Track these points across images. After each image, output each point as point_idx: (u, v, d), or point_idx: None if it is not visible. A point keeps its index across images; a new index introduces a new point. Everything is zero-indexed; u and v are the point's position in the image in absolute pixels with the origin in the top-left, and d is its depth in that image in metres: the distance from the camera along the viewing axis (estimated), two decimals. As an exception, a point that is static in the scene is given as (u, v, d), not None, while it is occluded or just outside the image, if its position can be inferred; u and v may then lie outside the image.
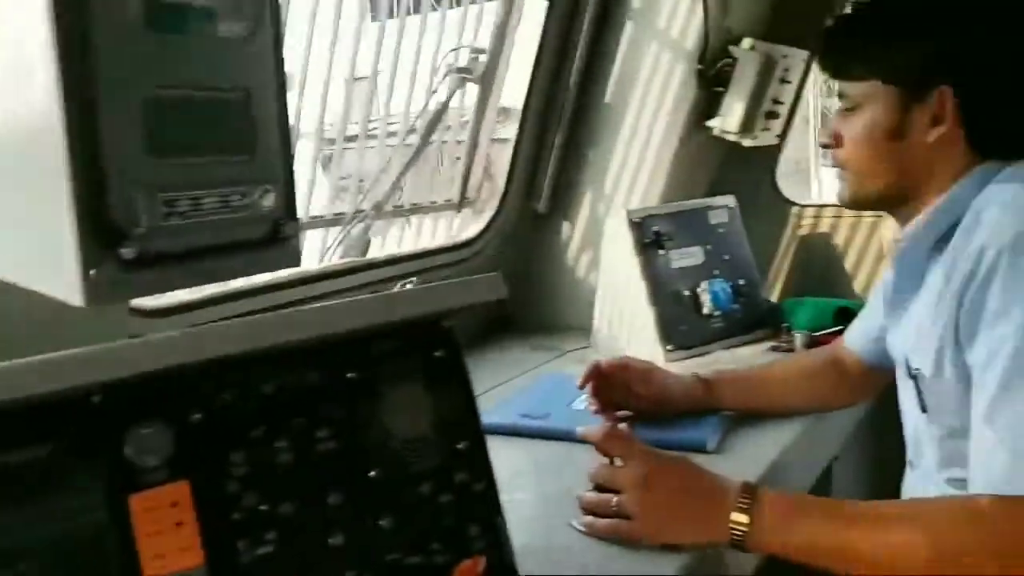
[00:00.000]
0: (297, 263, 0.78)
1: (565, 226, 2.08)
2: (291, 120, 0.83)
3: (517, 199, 2.04)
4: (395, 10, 2.35)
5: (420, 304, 0.78)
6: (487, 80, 1.96)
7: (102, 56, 0.63)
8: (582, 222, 2.06)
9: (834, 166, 1.16)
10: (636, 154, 1.99)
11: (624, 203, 1.99)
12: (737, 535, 0.89)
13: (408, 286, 1.53)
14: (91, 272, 0.63)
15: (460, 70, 1.94)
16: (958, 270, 0.94)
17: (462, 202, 2.11)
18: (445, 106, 2.01)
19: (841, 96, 1.13)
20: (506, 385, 1.58)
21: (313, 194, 2.16)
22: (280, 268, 0.78)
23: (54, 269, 0.63)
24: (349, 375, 0.75)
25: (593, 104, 2.01)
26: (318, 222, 1.94)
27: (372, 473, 0.73)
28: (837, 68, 1.13)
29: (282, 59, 0.76)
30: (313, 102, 2.02)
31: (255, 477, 0.67)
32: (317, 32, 1.92)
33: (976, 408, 0.90)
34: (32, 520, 0.59)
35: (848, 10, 1.14)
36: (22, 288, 0.68)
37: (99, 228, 0.63)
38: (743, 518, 0.89)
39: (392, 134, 2.30)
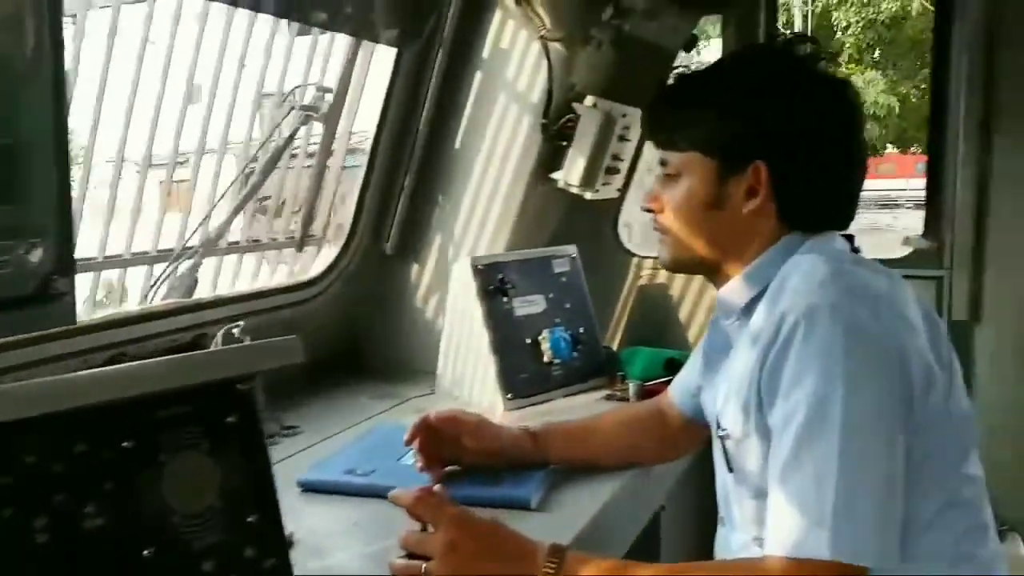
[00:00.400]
0: (72, 321, 0.73)
1: (414, 268, 2.07)
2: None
3: (364, 239, 2.01)
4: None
5: (210, 369, 0.75)
6: (332, 119, 1.93)
7: None
8: (431, 265, 2.06)
9: (655, 230, 1.20)
10: (484, 201, 2.02)
11: (472, 248, 2.01)
12: None
13: (234, 331, 1.48)
14: None
15: (304, 107, 1.91)
16: (762, 335, 1.00)
17: (304, 240, 2.06)
18: (289, 141, 1.97)
19: (663, 163, 1.17)
20: (339, 435, 1.54)
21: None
22: (51, 327, 0.72)
23: None
24: (124, 444, 0.70)
25: (444, 149, 2.03)
26: (141, 258, 1.83)
27: (145, 552, 0.68)
28: (660, 136, 1.18)
29: (64, 103, 0.72)
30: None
31: (8, 561, 0.61)
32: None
33: (771, 471, 0.95)
34: None
35: (671, 81, 1.20)
36: None
37: None
38: None
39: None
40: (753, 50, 1.58)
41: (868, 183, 1.20)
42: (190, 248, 1.73)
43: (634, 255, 2.29)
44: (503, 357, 1.73)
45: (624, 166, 2.06)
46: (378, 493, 1.21)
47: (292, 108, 1.90)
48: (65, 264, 0.71)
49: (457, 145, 2.03)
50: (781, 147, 1.08)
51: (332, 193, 2.08)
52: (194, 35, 1.83)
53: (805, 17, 15.50)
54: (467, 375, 1.77)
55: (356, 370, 1.95)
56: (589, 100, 1.95)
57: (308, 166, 2.11)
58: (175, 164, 1.96)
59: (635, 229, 2.35)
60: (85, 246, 1.52)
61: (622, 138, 2.01)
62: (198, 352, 0.78)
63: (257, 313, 1.71)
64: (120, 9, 1.66)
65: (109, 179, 1.84)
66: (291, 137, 1.92)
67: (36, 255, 0.68)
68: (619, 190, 2.11)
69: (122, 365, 0.72)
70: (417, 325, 2.05)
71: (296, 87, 1.95)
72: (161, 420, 0.73)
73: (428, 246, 2.05)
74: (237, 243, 2.03)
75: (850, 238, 1.15)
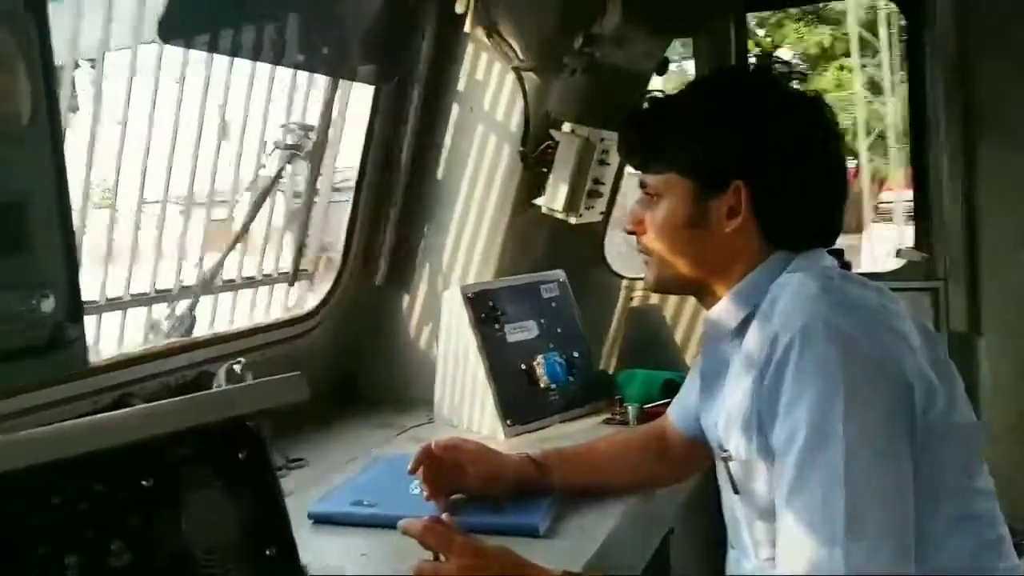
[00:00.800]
0: (84, 366, 0.77)
1: (405, 299, 2.11)
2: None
3: (355, 272, 2.06)
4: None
5: (219, 408, 0.79)
6: (316, 157, 1.98)
7: None
8: (421, 295, 2.10)
9: (639, 251, 1.23)
10: (470, 229, 2.07)
11: (460, 277, 2.06)
12: None
13: (236, 367, 1.52)
14: None
15: (288, 147, 1.96)
16: (757, 356, 1.02)
17: (296, 275, 2.10)
18: (275, 181, 2.02)
19: (642, 185, 1.20)
20: (344, 467, 1.57)
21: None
22: (66, 371, 0.76)
23: None
24: (144, 483, 0.74)
25: (427, 181, 2.08)
26: (141, 300, 1.87)
27: (169, 587, 0.72)
28: (637, 160, 1.21)
29: (62, 158, 0.76)
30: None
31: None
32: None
33: (778, 493, 0.97)
34: None
35: (645, 104, 1.22)
36: None
37: None
38: None
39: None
40: (726, 71, 1.63)
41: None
42: (188, 287, 1.77)
43: (623, 277, 2.33)
44: (499, 384, 1.76)
45: (606, 189, 2.11)
46: (386, 523, 1.24)
47: (276, 148, 1.95)
48: (74, 311, 0.74)
49: (440, 176, 2.09)
50: (759, 166, 1.10)
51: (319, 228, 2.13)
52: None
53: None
54: (465, 403, 1.81)
55: (353, 401, 1.98)
56: (567, 127, 2.01)
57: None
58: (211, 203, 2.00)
59: (621, 252, 2.41)
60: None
61: (602, 162, 2.06)
62: (207, 392, 0.81)
63: (256, 349, 1.75)
64: (137, 51, 1.72)
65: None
66: (277, 176, 1.97)
67: (47, 304, 0.71)
68: (602, 213, 2.16)
69: (137, 407, 0.76)
70: (411, 354, 2.08)
71: (280, 125, 2.00)
72: (176, 459, 0.77)
73: (417, 276, 2.10)
74: (232, 281, 2.07)
75: (839, 253, 1.17)
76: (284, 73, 2.10)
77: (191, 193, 2.09)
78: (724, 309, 1.14)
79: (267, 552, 0.78)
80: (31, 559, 0.66)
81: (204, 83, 1.96)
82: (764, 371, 1.00)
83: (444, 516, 1.08)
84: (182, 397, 0.79)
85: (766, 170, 1.11)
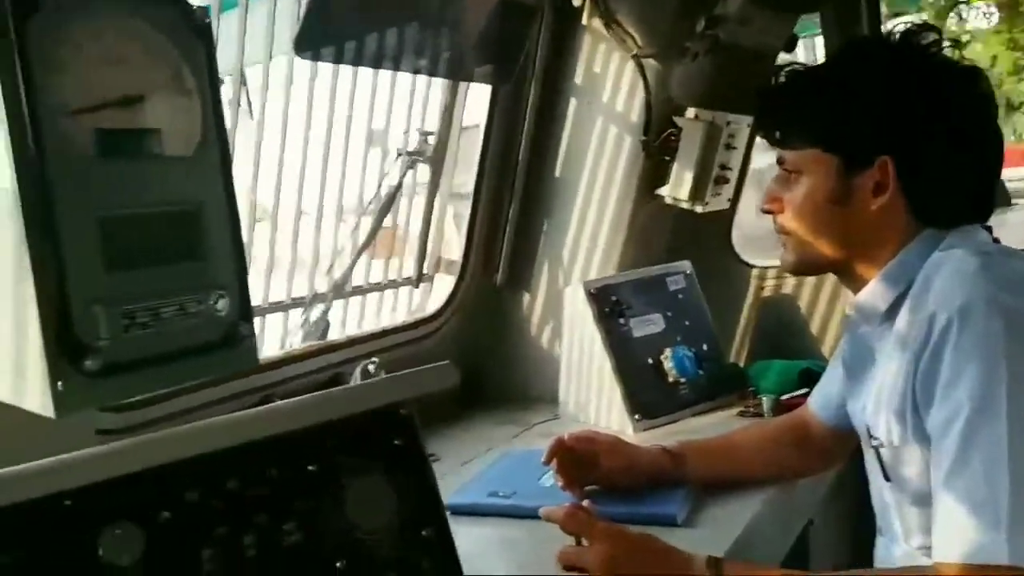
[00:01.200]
0: (255, 363, 0.85)
1: (526, 298, 2.17)
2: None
3: (476, 273, 2.13)
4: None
5: (375, 397, 0.86)
6: (436, 161, 2.07)
7: (56, 187, 0.71)
8: (542, 293, 2.16)
9: (777, 232, 1.22)
10: (590, 224, 2.11)
11: (582, 273, 2.10)
12: None
13: (371, 367, 1.62)
14: (58, 385, 0.69)
15: (411, 153, 2.05)
16: (911, 338, 1.01)
17: (420, 278, 2.20)
18: (399, 187, 2.12)
19: (780, 162, 1.19)
20: (474, 461, 1.64)
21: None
22: (238, 368, 0.85)
23: (24, 383, 0.70)
24: (310, 468, 0.82)
25: (545, 178, 2.13)
26: (278, 306, 2.01)
27: (339, 564, 0.79)
28: (776, 136, 1.19)
29: (231, 171, 0.85)
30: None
31: (225, 573, 0.73)
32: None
33: (935, 476, 0.96)
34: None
35: (783, 78, 1.20)
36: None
37: (64, 344, 0.70)
38: None
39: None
40: (870, 42, 1.58)
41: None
42: (320, 294, 1.89)
43: (753, 266, 2.31)
44: (627, 380, 1.79)
45: (733, 175, 2.10)
46: (522, 514, 1.30)
47: (399, 154, 2.05)
48: (245, 311, 0.83)
49: (558, 173, 2.13)
50: (907, 140, 1.08)
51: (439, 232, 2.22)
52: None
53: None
54: (591, 400, 1.85)
55: (479, 400, 2.05)
56: (690, 112, 2.01)
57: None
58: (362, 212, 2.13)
59: (749, 239, 2.38)
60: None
61: (728, 146, 2.05)
62: (365, 382, 0.88)
63: (384, 351, 1.85)
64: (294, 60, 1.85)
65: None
66: (400, 183, 2.07)
67: (223, 304, 0.80)
68: (729, 200, 2.15)
69: (300, 397, 0.84)
70: (533, 353, 2.14)
71: (403, 132, 2.10)
72: (337, 446, 0.84)
73: (537, 275, 2.15)
74: (360, 286, 2.19)
75: (988, 229, 1.13)
76: (403, 80, 2.19)
77: (338, 202, 2.21)
78: (873, 291, 1.12)
79: (423, 533, 0.84)
80: (213, 540, 0.74)
81: (331, 93, 2.07)
82: (920, 353, 0.98)
83: (585, 503, 1.12)
84: (341, 387, 0.87)
85: (915, 144, 1.08)
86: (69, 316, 0.70)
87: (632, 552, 1.00)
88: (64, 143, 0.71)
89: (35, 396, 0.70)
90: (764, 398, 1.81)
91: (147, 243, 0.76)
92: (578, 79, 2.07)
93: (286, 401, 0.82)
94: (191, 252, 0.79)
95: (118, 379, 0.73)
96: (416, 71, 1.99)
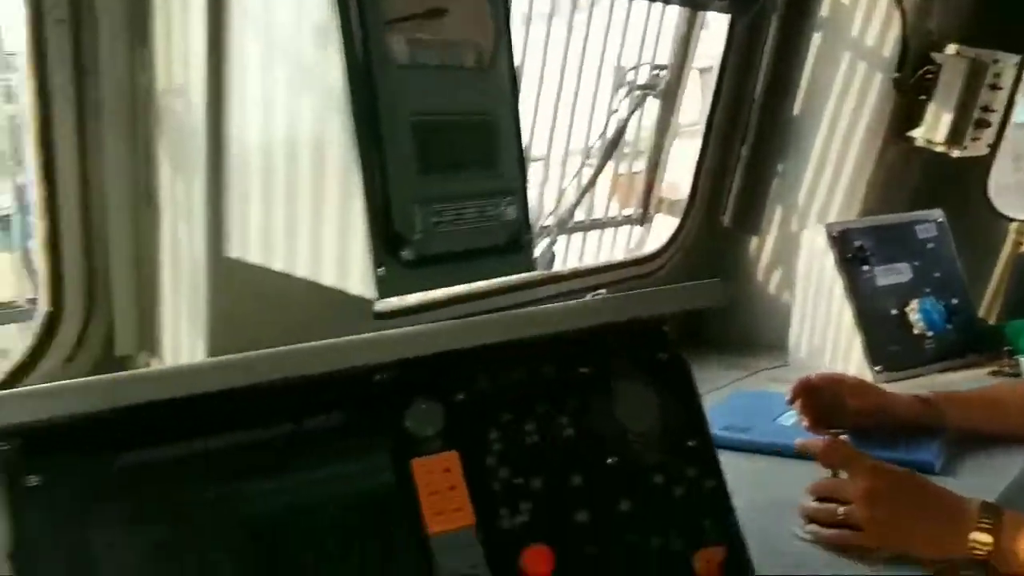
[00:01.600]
0: (533, 268, 0.93)
1: (753, 241, 2.14)
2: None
3: (701, 213, 2.13)
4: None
5: (645, 306, 0.90)
6: (668, 96, 2.07)
7: (379, 90, 0.80)
8: (772, 237, 2.11)
9: None
10: (831, 167, 2.03)
11: (819, 218, 2.03)
12: (979, 554, 0.92)
13: (598, 298, 1.68)
14: (379, 271, 0.79)
15: (642, 87, 2.06)
16: None
17: (644, 216, 2.23)
18: (626, 123, 2.14)
19: None
20: (708, 396, 1.66)
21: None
22: (520, 272, 0.93)
23: (348, 269, 0.81)
24: (582, 369, 0.88)
25: (781, 117, 2.07)
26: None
27: (609, 460, 0.85)
28: None
29: (517, 86, 0.92)
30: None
31: (509, 453, 0.81)
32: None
33: None
34: (329, 479, 0.74)
35: None
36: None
37: (385, 235, 0.80)
38: (986, 538, 0.92)
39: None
40: None
41: None
42: (547, 227, 1.97)
43: (1011, 219, 2.15)
44: (868, 329, 1.74)
45: (996, 118, 1.95)
46: (760, 448, 1.32)
47: (630, 89, 2.07)
48: (527, 219, 0.90)
49: (796, 111, 2.07)
50: None
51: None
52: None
53: None
54: (826, 348, 1.81)
55: (700, 343, 2.06)
56: (951, 48, 1.89)
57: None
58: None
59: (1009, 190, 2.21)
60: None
61: (993, 87, 1.91)
62: (635, 292, 0.92)
63: (605, 286, 1.90)
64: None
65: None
66: (628, 117, 2.09)
67: (512, 211, 0.88)
68: (990, 145, 2.00)
69: (573, 301, 0.90)
70: (758, 297, 2.11)
71: (631, 68, 2.11)
72: (605, 352, 0.89)
73: (768, 218, 2.11)
74: (582, 222, 2.25)
75: None
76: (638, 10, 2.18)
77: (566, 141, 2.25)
78: None
79: (689, 443, 0.88)
80: (499, 424, 0.82)
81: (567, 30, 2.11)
82: None
83: (843, 438, 1.11)
84: (612, 294, 0.92)
85: None
86: (390, 211, 0.80)
87: (897, 488, 0.99)
88: (384, 51, 0.80)
89: (357, 281, 0.80)
90: (1022, 359, 1.70)
91: (452, 148, 0.84)
92: (825, 11, 1.98)
93: (562, 303, 0.88)
94: (487, 159, 0.87)
95: (427, 270, 0.82)
96: None
